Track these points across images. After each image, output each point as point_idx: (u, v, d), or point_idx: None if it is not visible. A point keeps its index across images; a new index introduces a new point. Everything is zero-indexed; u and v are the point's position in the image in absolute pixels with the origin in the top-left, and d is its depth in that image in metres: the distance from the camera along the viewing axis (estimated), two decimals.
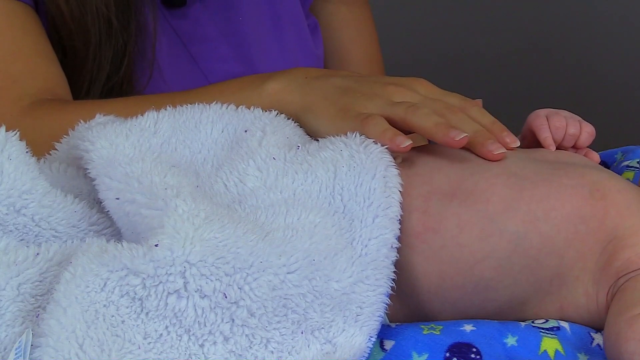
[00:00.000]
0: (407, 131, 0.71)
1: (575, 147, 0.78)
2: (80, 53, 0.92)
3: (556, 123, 0.77)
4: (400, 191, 0.67)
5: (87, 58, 0.92)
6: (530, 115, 0.79)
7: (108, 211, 0.67)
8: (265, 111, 0.75)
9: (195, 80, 1.00)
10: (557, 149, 0.77)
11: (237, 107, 0.74)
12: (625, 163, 0.83)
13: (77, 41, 0.92)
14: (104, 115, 0.74)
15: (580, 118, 0.79)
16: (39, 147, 0.71)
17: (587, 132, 0.78)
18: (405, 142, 0.69)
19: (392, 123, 0.71)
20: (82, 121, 0.72)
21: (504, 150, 0.70)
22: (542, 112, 0.78)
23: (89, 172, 0.68)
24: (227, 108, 0.74)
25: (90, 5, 0.90)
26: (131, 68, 0.95)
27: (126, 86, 0.95)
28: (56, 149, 0.73)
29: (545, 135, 0.77)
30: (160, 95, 0.85)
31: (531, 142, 0.79)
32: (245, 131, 0.71)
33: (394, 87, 0.76)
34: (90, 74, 0.93)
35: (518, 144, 0.73)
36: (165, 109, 0.73)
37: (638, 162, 0.82)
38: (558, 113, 0.78)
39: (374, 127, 0.70)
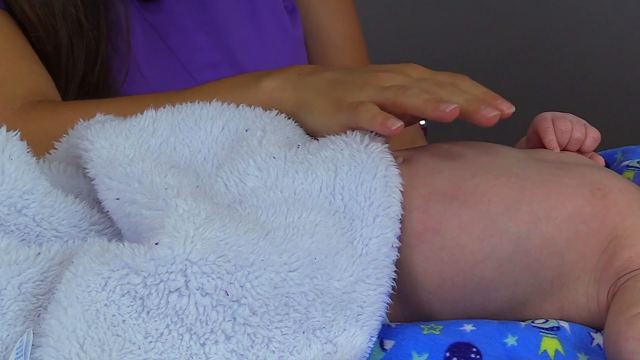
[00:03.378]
0: (400, 114, 0.71)
1: (580, 152, 0.78)
2: (52, 58, 0.91)
3: (562, 127, 0.77)
4: (401, 191, 0.67)
5: (60, 61, 0.91)
6: (536, 118, 0.79)
7: (108, 211, 0.67)
8: (265, 110, 0.75)
9: (175, 72, 1.00)
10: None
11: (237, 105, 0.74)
12: (625, 163, 0.83)
13: (47, 46, 0.91)
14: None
15: (586, 122, 0.78)
16: (35, 148, 0.70)
17: (592, 137, 0.77)
18: (397, 124, 0.69)
19: (384, 108, 0.71)
20: (80, 120, 0.72)
21: (498, 113, 0.69)
22: (548, 115, 0.78)
23: (87, 172, 0.68)
24: (227, 105, 0.74)
25: (58, 8, 0.89)
26: (106, 66, 0.94)
27: (102, 84, 0.94)
28: (54, 149, 0.73)
29: (550, 138, 0.76)
30: (156, 95, 0.85)
31: (536, 144, 0.78)
32: (246, 130, 0.71)
33: (385, 73, 0.76)
34: (66, 75, 0.92)
35: (513, 109, 0.70)
36: (164, 107, 0.73)
37: (638, 162, 0.82)
38: (564, 117, 0.78)
39: (365, 113, 0.70)
